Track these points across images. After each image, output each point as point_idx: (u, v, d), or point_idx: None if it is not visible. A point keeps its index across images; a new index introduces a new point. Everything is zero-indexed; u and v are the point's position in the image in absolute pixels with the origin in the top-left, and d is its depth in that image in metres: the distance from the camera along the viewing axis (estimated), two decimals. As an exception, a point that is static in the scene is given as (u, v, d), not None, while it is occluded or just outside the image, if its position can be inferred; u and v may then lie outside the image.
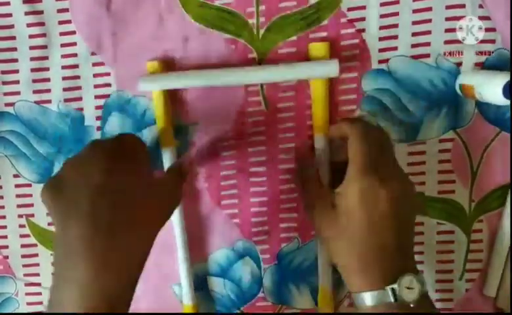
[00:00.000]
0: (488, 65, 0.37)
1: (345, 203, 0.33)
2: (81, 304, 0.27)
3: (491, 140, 0.39)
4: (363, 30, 0.37)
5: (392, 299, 0.30)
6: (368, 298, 0.31)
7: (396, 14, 0.37)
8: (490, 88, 0.34)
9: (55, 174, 0.30)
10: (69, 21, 0.38)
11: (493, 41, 0.37)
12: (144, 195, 0.30)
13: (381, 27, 0.37)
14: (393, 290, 0.30)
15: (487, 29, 0.37)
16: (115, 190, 0.29)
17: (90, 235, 0.27)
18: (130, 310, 0.42)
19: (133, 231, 0.29)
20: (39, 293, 0.42)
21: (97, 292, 0.27)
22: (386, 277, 0.31)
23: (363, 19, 0.37)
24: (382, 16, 0.37)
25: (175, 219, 0.39)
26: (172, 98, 0.39)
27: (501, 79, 0.33)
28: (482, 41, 0.37)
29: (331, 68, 0.36)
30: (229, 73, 0.37)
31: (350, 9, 0.37)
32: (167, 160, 0.38)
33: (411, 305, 0.30)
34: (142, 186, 0.31)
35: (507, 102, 0.33)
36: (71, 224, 0.28)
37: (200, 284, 0.41)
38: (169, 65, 0.38)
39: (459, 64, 0.38)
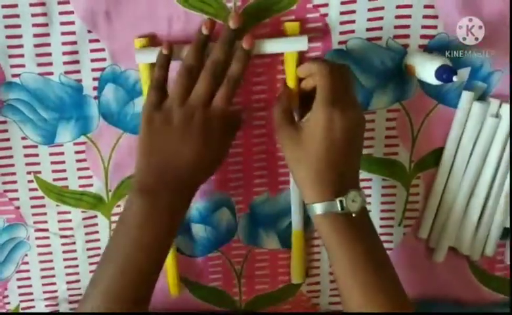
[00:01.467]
0: (430, 48, 0.43)
1: (309, 129, 0.38)
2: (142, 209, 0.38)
3: (430, 111, 0.45)
4: (326, 15, 0.42)
5: (339, 209, 0.36)
6: (318, 208, 0.37)
7: (355, 1, 0.42)
8: (425, 70, 0.40)
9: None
10: (67, 2, 0.41)
11: (435, 27, 0.42)
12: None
13: (341, 13, 0.42)
14: (341, 201, 0.36)
15: (431, 16, 0.42)
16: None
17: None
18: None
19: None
20: (47, 237, 0.47)
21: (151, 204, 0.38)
22: (336, 191, 0.37)
23: (326, 5, 0.42)
24: (342, 3, 0.42)
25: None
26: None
27: (435, 63, 0.39)
28: (426, 26, 0.43)
29: (301, 43, 0.42)
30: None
31: (315, -4, 0.42)
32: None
33: (353, 215, 0.37)
34: None
35: (439, 83, 0.39)
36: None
37: (185, 229, 0.48)
38: (155, 42, 0.42)
39: (406, 46, 0.43)
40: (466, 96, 0.44)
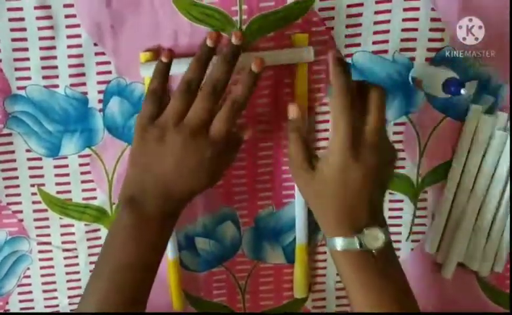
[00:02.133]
0: (437, 61, 0.43)
1: (326, 169, 0.36)
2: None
3: (437, 124, 0.45)
4: (332, 28, 0.42)
5: (357, 246, 0.35)
6: (338, 243, 0.36)
7: (360, 15, 0.42)
8: (433, 83, 0.40)
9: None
10: (74, 16, 0.41)
11: (442, 40, 0.42)
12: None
13: (347, 26, 0.42)
14: (359, 239, 0.35)
15: (437, 29, 0.42)
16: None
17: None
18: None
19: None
20: (50, 251, 0.47)
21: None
22: (355, 228, 0.36)
23: (332, 18, 0.42)
24: (348, 16, 0.42)
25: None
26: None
27: (442, 76, 0.39)
28: (432, 39, 0.42)
29: (307, 54, 0.42)
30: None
31: (321, 9, 0.42)
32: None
33: (374, 252, 0.35)
34: None
35: (446, 96, 0.39)
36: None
37: (189, 243, 0.47)
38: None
39: (412, 59, 0.43)
40: (474, 109, 0.44)
